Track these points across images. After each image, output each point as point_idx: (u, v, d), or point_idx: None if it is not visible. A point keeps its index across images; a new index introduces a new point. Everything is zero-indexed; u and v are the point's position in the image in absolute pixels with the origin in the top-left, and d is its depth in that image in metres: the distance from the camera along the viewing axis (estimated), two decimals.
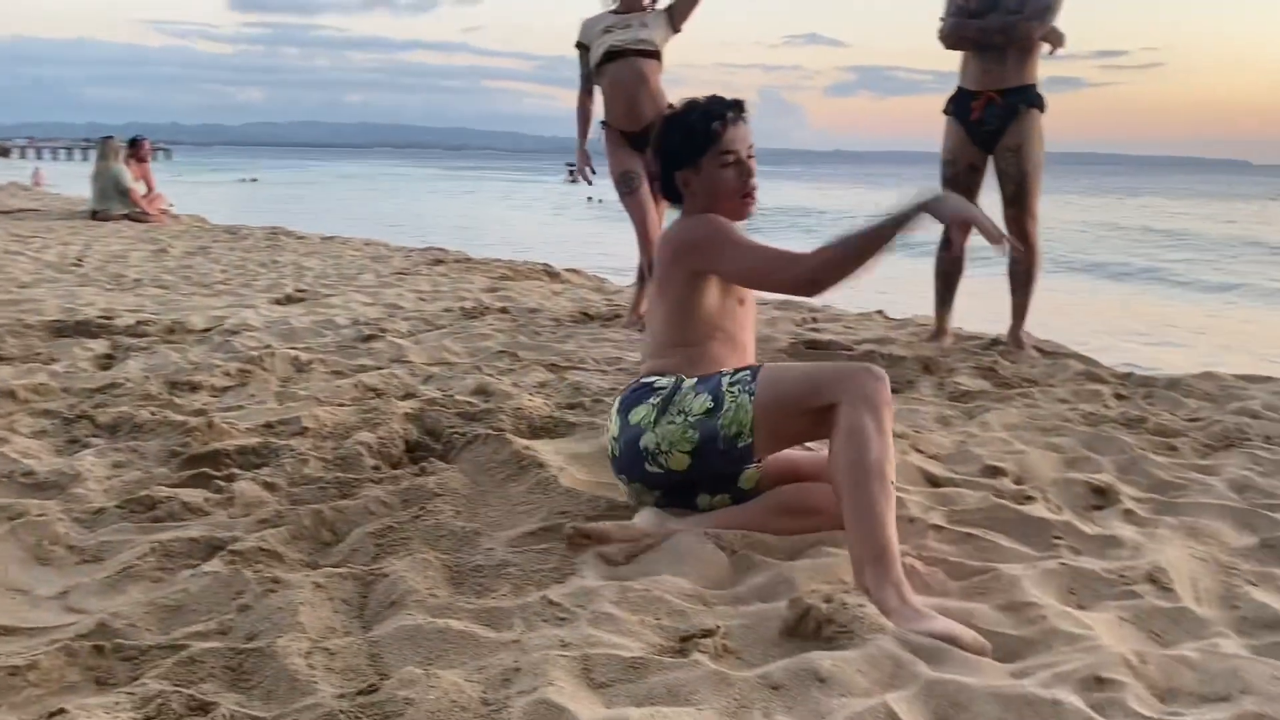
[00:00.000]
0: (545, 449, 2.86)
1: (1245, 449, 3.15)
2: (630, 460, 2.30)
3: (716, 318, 2.35)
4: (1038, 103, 4.54)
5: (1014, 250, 4.68)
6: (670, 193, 2.46)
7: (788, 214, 34.69)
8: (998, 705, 1.59)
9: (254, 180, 43.83)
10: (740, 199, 2.39)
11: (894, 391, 3.91)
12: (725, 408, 2.17)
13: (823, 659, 1.69)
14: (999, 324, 5.04)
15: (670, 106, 5.25)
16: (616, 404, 2.37)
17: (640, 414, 2.26)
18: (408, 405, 3.24)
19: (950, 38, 4.56)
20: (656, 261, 2.43)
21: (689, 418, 2.20)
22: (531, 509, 2.49)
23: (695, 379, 2.26)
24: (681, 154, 2.38)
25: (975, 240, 2.30)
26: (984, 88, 4.54)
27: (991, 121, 4.53)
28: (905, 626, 1.79)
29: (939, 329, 4.98)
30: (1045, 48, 4.55)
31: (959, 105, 4.65)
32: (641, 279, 5.49)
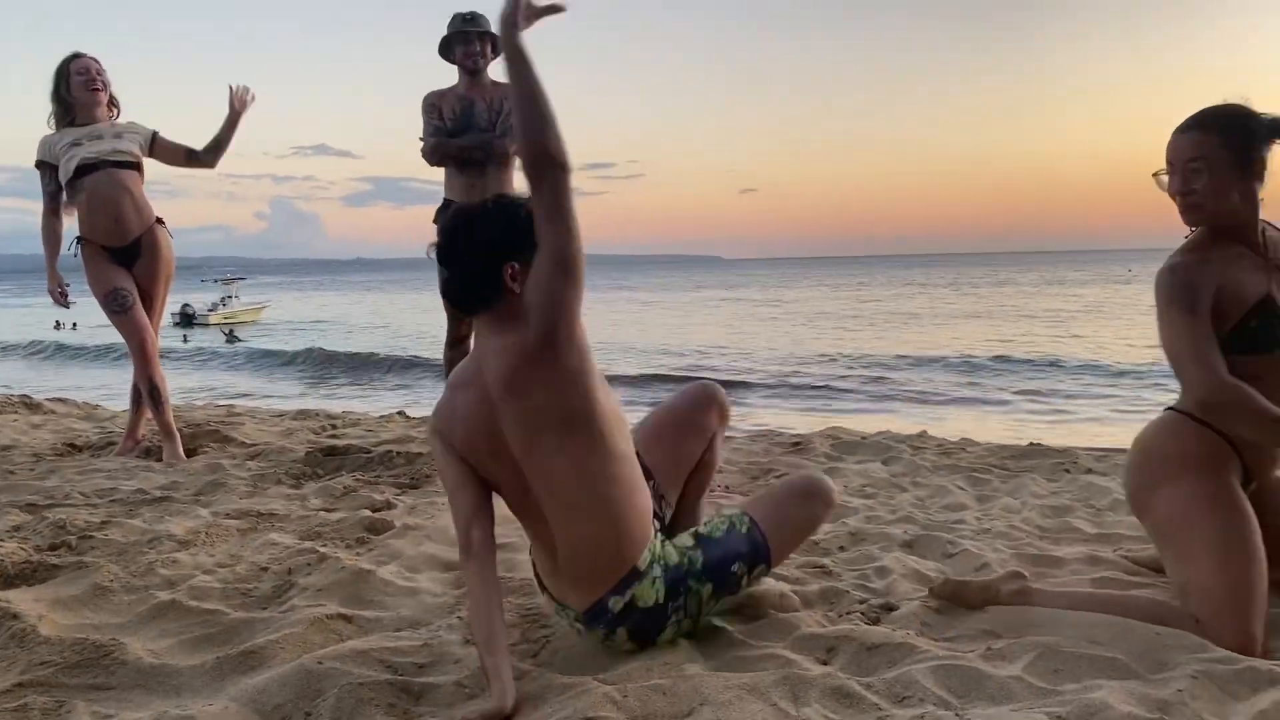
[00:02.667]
0: (22, 598, 2.57)
1: (708, 500, 3.65)
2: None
3: None
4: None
5: None
6: (483, 293, 2.06)
7: (317, 326, 34.01)
8: None
9: None
10: None
11: (412, 486, 4.07)
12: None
13: None
14: None
15: (159, 220, 5.08)
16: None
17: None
18: None
19: (434, 155, 4.86)
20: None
21: None
22: (6, 666, 2.23)
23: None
24: (520, 241, 2.03)
25: None
26: (469, 199, 4.88)
27: None
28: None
29: None
30: (519, 162, 5.00)
31: None
32: (137, 401, 5.12)
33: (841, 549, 3.06)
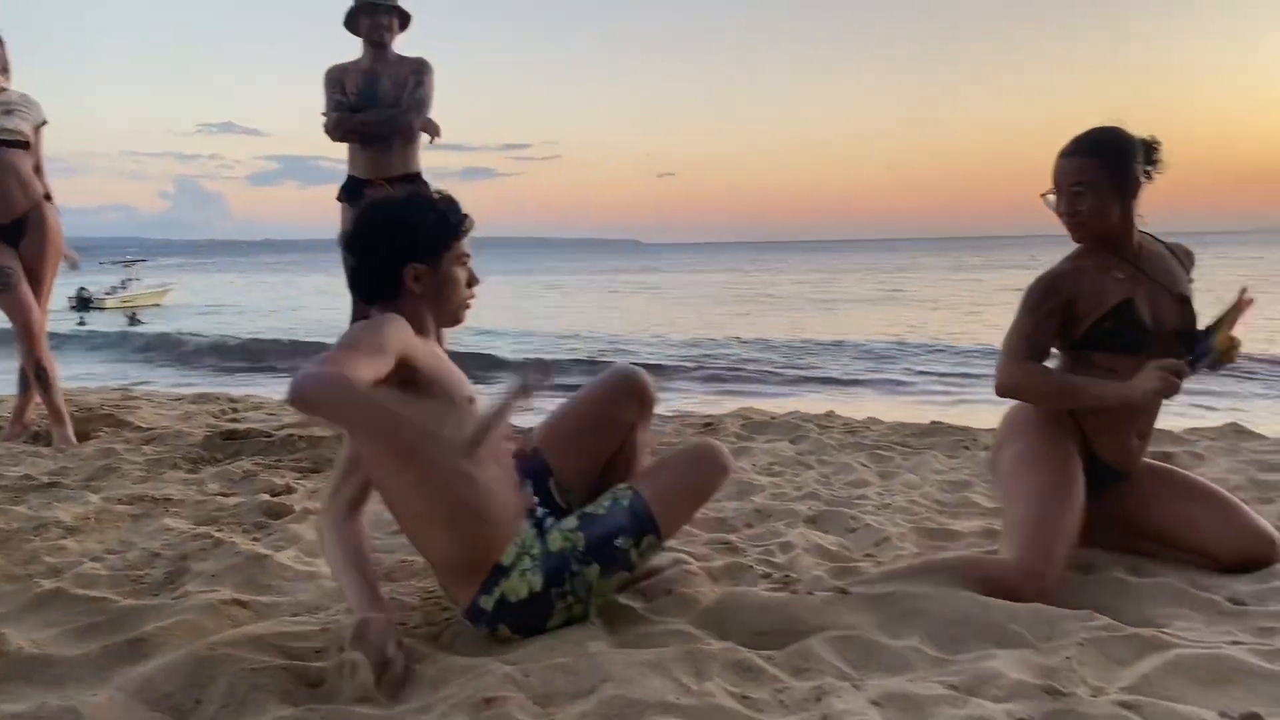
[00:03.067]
0: None
1: None
2: None
3: None
4: (424, 189, 4.88)
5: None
6: (383, 288, 2.14)
7: (222, 309, 33.08)
8: None
9: None
10: (466, 303, 2.24)
11: (314, 470, 3.98)
12: None
13: None
14: None
15: (48, 197, 4.86)
16: None
17: None
18: None
19: (337, 130, 4.75)
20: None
21: None
22: None
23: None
24: (425, 244, 2.12)
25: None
26: (374, 176, 4.78)
27: None
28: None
29: None
30: (426, 138, 4.92)
31: (352, 193, 4.85)
32: (25, 385, 4.91)
33: (748, 525, 3.09)
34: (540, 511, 2.23)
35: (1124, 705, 1.72)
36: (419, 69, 4.80)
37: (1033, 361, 2.50)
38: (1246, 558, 2.46)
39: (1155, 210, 2.57)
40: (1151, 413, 2.61)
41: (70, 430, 4.74)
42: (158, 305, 37.96)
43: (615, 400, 2.40)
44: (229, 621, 2.31)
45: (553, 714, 1.79)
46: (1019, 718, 1.72)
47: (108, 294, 38.56)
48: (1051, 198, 2.54)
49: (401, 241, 2.11)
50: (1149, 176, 2.53)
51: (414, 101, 4.72)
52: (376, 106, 4.73)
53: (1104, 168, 2.46)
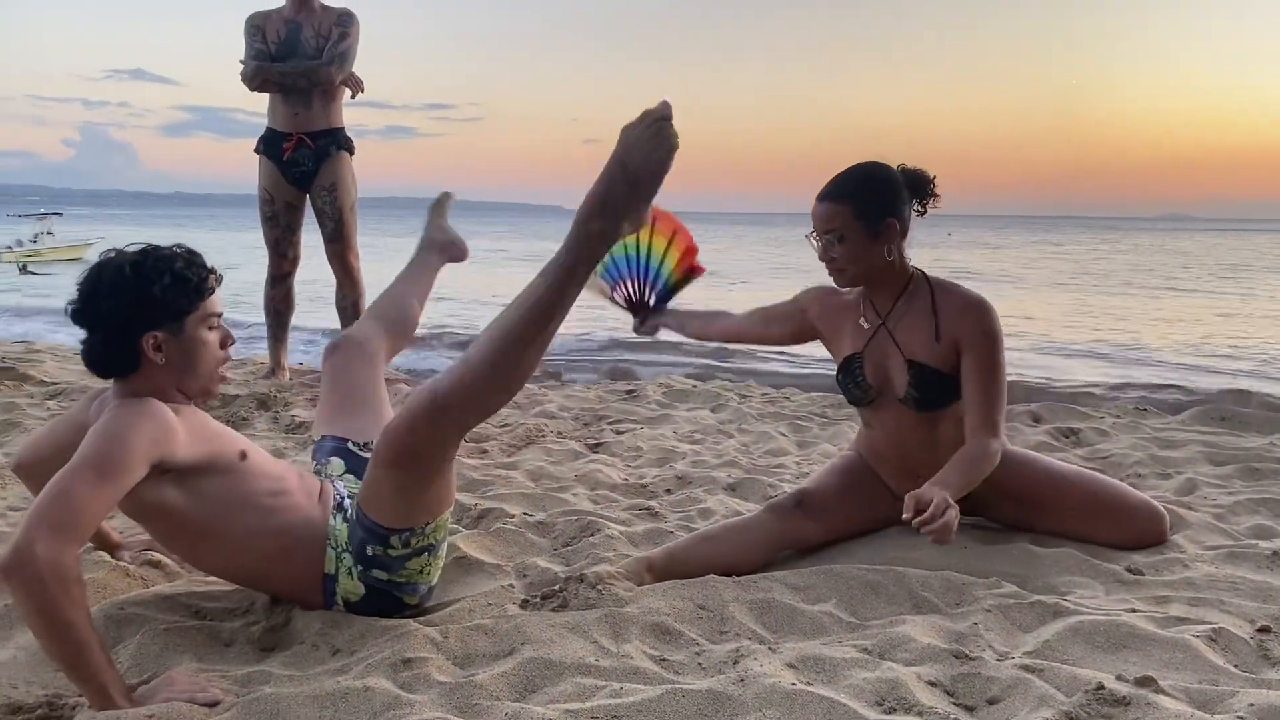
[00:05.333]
0: None
1: (540, 444, 3.66)
2: None
3: None
4: (347, 145, 4.78)
5: (341, 287, 4.87)
6: (120, 363, 1.89)
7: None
8: (315, 706, 1.67)
9: None
10: (220, 371, 2.00)
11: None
12: None
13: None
14: None
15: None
16: None
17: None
18: None
19: (254, 80, 4.61)
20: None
21: None
22: None
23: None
24: (163, 310, 1.87)
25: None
26: (293, 130, 4.66)
27: (304, 162, 4.68)
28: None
29: (275, 365, 4.99)
30: (348, 93, 4.80)
31: (270, 146, 4.73)
32: None
33: (668, 492, 3.12)
34: (338, 496, 2.11)
35: (1026, 669, 1.79)
36: (343, 20, 4.68)
37: (741, 314, 2.72)
38: (1138, 543, 2.51)
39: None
40: (926, 455, 2.44)
41: None
42: (79, 260, 36.13)
43: (348, 363, 2.49)
44: (139, 582, 2.26)
45: (473, 675, 1.79)
46: (928, 680, 1.77)
47: (6, 249, 36.59)
48: (813, 240, 2.42)
49: (134, 309, 1.87)
50: (922, 212, 2.43)
51: (336, 54, 4.61)
52: (297, 57, 4.60)
53: (857, 216, 2.33)
